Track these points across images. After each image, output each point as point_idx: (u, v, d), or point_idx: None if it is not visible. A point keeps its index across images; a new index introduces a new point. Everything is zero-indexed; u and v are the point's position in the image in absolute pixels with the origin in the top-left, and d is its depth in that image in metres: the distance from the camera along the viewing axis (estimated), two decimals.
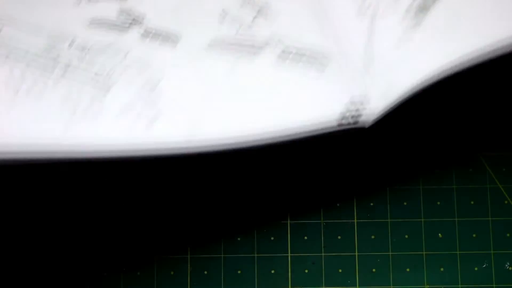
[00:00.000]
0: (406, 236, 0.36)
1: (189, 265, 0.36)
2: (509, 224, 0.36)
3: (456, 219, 0.37)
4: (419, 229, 0.36)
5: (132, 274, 0.36)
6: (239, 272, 0.36)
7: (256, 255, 0.36)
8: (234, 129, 0.32)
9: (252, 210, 0.37)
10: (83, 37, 0.33)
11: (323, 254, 0.36)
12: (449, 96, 0.34)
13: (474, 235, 0.36)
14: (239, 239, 0.36)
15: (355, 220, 0.37)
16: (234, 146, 0.31)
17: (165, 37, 0.34)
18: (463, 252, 0.36)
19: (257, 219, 0.37)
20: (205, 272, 0.36)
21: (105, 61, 0.33)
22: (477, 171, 0.37)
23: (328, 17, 0.34)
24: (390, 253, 0.36)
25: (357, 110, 0.32)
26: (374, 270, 0.36)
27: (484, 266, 0.36)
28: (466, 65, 0.31)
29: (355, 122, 0.32)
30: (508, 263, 0.36)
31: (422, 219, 0.36)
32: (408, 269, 0.36)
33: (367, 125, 0.32)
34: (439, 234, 0.36)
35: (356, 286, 0.36)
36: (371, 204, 0.37)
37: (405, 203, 0.37)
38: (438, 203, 0.37)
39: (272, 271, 0.36)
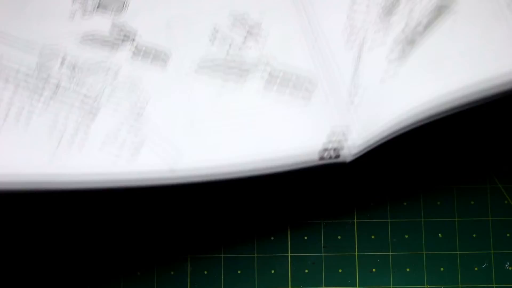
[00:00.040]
0: (406, 236, 0.36)
1: (189, 265, 0.36)
2: (509, 224, 0.36)
3: (456, 219, 0.37)
4: (419, 229, 0.36)
5: (132, 274, 0.36)
6: (239, 272, 0.36)
7: (256, 255, 0.36)
8: (216, 159, 0.32)
9: (251, 215, 0.37)
10: (75, 54, 0.34)
11: (323, 254, 0.36)
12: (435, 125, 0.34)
13: (474, 235, 0.36)
14: (239, 239, 0.36)
15: (355, 220, 0.37)
16: (216, 178, 0.32)
17: (156, 56, 0.34)
18: (463, 252, 0.36)
19: (257, 223, 0.37)
20: (205, 272, 0.36)
21: (95, 81, 0.33)
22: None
23: (317, 44, 0.34)
24: (390, 253, 0.36)
25: (339, 143, 0.32)
26: (374, 270, 0.36)
27: (484, 266, 0.36)
28: (449, 105, 0.31)
29: (337, 156, 0.32)
30: (508, 263, 0.36)
31: (422, 219, 0.37)
32: (408, 269, 0.36)
33: (348, 160, 0.32)
34: (439, 234, 0.36)
35: (356, 286, 0.36)
36: (372, 204, 0.37)
37: (405, 203, 0.37)
38: (438, 203, 0.37)
39: (272, 271, 0.36)
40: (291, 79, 0.34)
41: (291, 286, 0.36)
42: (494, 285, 0.36)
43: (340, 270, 0.36)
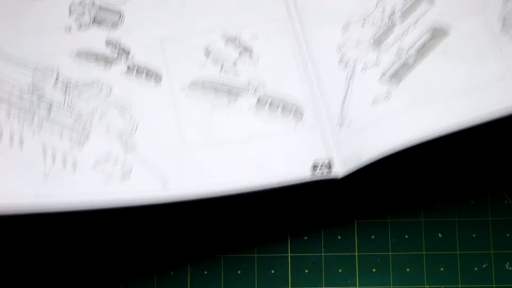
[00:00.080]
0: (406, 236, 0.36)
1: (189, 265, 0.36)
2: (509, 224, 0.36)
3: (456, 219, 0.37)
4: (419, 229, 0.36)
5: (132, 274, 0.36)
6: (239, 272, 0.36)
7: (256, 255, 0.36)
8: (208, 179, 0.32)
9: (251, 217, 0.37)
10: (68, 73, 0.33)
11: (323, 254, 0.36)
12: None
13: (474, 235, 0.36)
14: (239, 239, 0.36)
15: (355, 220, 0.37)
16: (209, 196, 0.32)
17: (149, 73, 0.34)
18: (463, 252, 0.36)
19: (257, 224, 0.37)
20: (205, 272, 0.36)
21: (87, 102, 0.33)
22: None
23: (310, 65, 0.34)
24: (390, 253, 0.36)
25: (329, 162, 0.32)
26: (374, 270, 0.36)
27: (484, 266, 0.36)
28: (439, 135, 0.31)
29: (328, 173, 0.32)
30: (508, 263, 0.36)
31: (422, 219, 0.37)
32: (408, 269, 0.36)
33: (340, 176, 0.32)
34: (439, 234, 0.36)
35: (356, 286, 0.36)
36: (372, 205, 0.37)
37: (405, 203, 0.37)
38: (438, 202, 0.37)
39: (272, 271, 0.36)
40: (283, 100, 0.34)
41: (291, 286, 0.36)
42: (494, 285, 0.36)
43: (340, 270, 0.36)
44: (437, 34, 0.34)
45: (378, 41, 0.34)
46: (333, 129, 0.33)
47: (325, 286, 0.36)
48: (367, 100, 0.33)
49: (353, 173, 0.32)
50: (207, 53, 0.34)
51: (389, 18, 0.34)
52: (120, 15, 0.35)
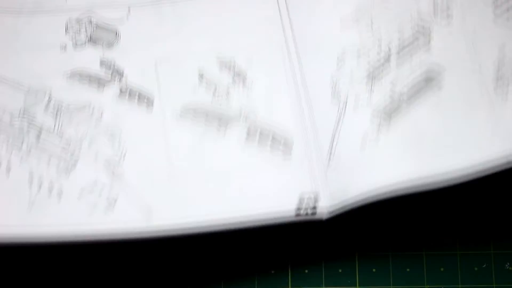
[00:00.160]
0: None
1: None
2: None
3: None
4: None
5: None
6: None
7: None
8: (192, 212, 0.32)
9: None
10: (61, 94, 0.33)
11: None
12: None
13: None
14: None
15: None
16: (192, 232, 0.31)
17: (141, 97, 0.33)
18: (463, 252, 0.36)
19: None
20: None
21: (78, 125, 0.33)
22: None
23: (303, 96, 0.34)
24: (390, 253, 0.36)
25: (314, 203, 0.32)
26: (374, 270, 0.36)
27: (484, 266, 0.36)
28: (425, 188, 0.31)
29: (313, 214, 0.32)
30: (508, 263, 0.36)
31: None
32: (408, 269, 0.36)
33: (324, 218, 0.32)
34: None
35: (356, 286, 0.36)
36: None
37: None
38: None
39: (272, 271, 0.36)
40: (274, 131, 0.33)
41: (291, 286, 0.36)
42: (494, 285, 0.36)
43: (340, 270, 0.36)
44: (431, 81, 0.33)
45: (371, 78, 0.33)
46: (321, 165, 0.33)
47: (325, 286, 0.36)
48: (356, 140, 0.33)
49: (342, 214, 0.32)
50: (201, 76, 0.34)
51: (385, 55, 0.34)
52: (117, 34, 0.35)
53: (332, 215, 0.32)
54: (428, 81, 0.33)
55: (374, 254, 0.36)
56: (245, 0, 0.36)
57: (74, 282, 0.35)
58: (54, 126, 0.33)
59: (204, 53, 0.35)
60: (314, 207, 0.32)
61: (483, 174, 0.31)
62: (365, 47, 0.34)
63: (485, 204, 0.36)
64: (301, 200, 0.32)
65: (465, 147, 0.32)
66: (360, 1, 0.35)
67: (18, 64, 0.34)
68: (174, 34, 0.35)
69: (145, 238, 0.31)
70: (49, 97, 0.33)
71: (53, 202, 0.31)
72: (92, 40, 0.34)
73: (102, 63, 0.34)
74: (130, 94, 0.34)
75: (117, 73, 0.34)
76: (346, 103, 0.33)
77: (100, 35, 0.35)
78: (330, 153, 0.33)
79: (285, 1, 0.36)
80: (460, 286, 0.36)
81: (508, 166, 0.31)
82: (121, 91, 0.34)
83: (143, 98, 0.34)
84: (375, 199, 0.31)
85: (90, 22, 0.35)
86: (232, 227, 0.32)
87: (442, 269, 0.36)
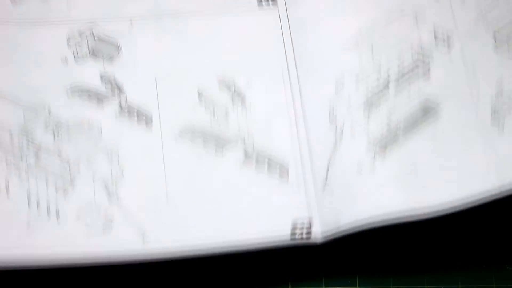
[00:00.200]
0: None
1: None
2: None
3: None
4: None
5: None
6: None
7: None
8: (187, 235, 0.32)
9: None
10: (61, 110, 0.33)
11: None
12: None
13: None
14: None
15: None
16: (188, 255, 0.31)
17: (141, 114, 0.33)
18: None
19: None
20: None
21: (77, 144, 0.32)
22: None
23: (301, 120, 0.34)
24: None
25: (309, 227, 0.32)
26: (374, 270, 0.36)
27: (484, 266, 0.36)
28: (412, 219, 0.31)
29: (307, 238, 0.32)
30: (508, 263, 0.36)
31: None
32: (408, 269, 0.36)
33: (318, 242, 0.32)
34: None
35: (356, 286, 0.36)
36: None
37: None
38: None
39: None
40: (270, 154, 0.33)
41: (291, 286, 0.36)
42: (494, 285, 0.36)
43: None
44: (428, 112, 0.33)
45: (369, 104, 0.33)
46: (317, 190, 0.33)
47: (325, 286, 0.36)
48: (352, 167, 0.32)
49: (339, 239, 0.32)
50: (200, 95, 0.34)
51: (384, 82, 0.33)
52: (118, 47, 0.35)
53: (326, 240, 0.32)
54: (426, 112, 0.33)
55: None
56: (248, 19, 0.35)
57: None
58: (53, 143, 0.33)
59: (204, 70, 0.34)
60: (309, 232, 0.32)
61: (475, 205, 0.31)
62: (365, 72, 0.34)
63: (486, 227, 0.36)
64: (295, 225, 0.32)
65: (459, 179, 0.32)
66: (362, 24, 0.34)
67: (18, 78, 0.34)
68: (175, 50, 0.35)
69: (141, 261, 0.31)
70: (49, 112, 0.33)
71: (51, 223, 0.31)
72: (93, 53, 0.34)
73: (102, 77, 0.34)
74: (129, 111, 0.33)
75: (117, 88, 0.34)
76: (343, 129, 0.33)
77: (101, 47, 0.34)
78: (326, 179, 0.33)
79: (288, 22, 0.35)
80: (460, 286, 0.36)
81: (500, 196, 0.31)
82: (120, 107, 0.33)
83: (142, 116, 0.33)
84: (366, 227, 0.31)
85: (92, 34, 0.35)
86: (228, 250, 0.32)
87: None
